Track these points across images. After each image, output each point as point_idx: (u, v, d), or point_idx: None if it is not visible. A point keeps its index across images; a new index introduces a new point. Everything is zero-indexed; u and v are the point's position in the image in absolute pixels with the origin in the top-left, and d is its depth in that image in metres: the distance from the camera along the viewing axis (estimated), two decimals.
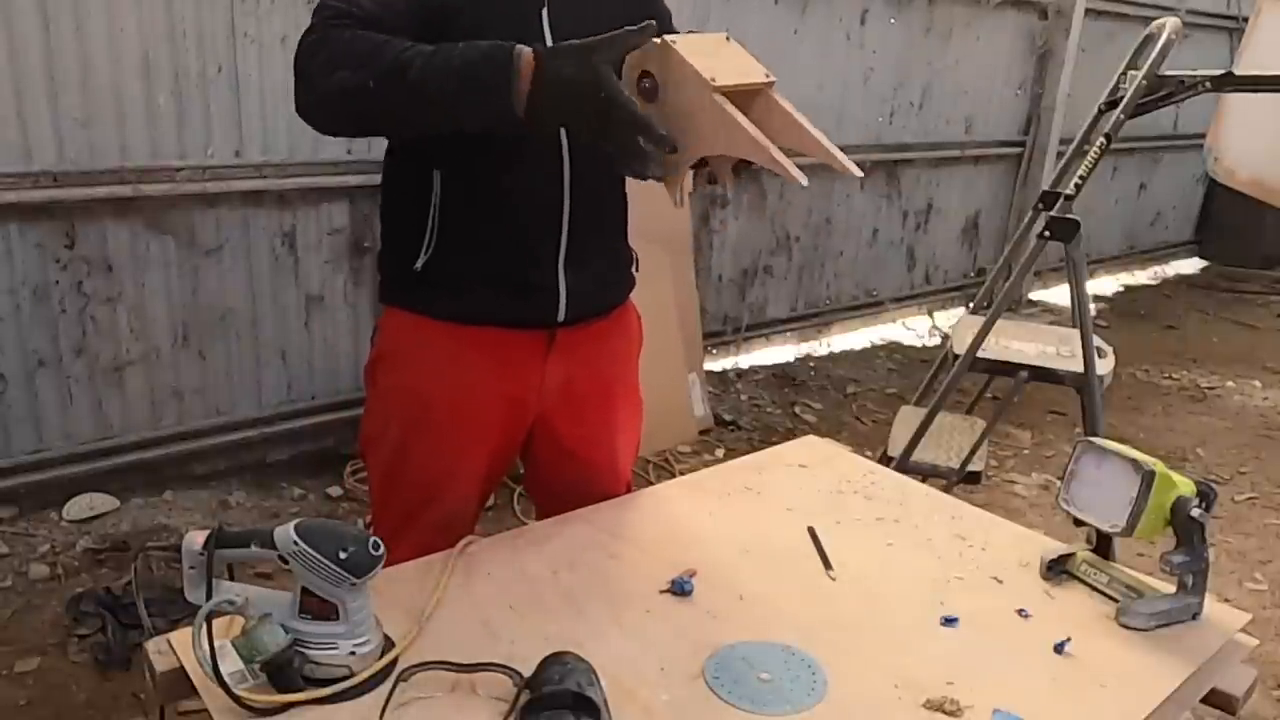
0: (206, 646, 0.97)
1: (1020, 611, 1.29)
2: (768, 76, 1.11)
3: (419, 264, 1.35)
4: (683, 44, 1.07)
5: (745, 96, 1.09)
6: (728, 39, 1.13)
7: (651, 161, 1.09)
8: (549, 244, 1.38)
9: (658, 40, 1.07)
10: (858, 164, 1.12)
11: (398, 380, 1.43)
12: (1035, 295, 6.38)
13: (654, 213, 3.97)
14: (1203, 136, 4.31)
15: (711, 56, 1.07)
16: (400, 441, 1.45)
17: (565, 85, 1.07)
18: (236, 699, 0.98)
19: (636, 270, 1.67)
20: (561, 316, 1.41)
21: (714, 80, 1.04)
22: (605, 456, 1.61)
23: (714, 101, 1.04)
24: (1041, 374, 2.65)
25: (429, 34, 1.18)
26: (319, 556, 1.01)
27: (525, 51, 1.09)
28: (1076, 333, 2.74)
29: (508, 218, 1.35)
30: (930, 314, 5.82)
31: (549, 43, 1.24)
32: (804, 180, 1.03)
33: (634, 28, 1.07)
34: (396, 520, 1.48)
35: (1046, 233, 2.67)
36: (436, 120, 1.18)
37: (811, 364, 4.91)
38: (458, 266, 1.36)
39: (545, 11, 1.31)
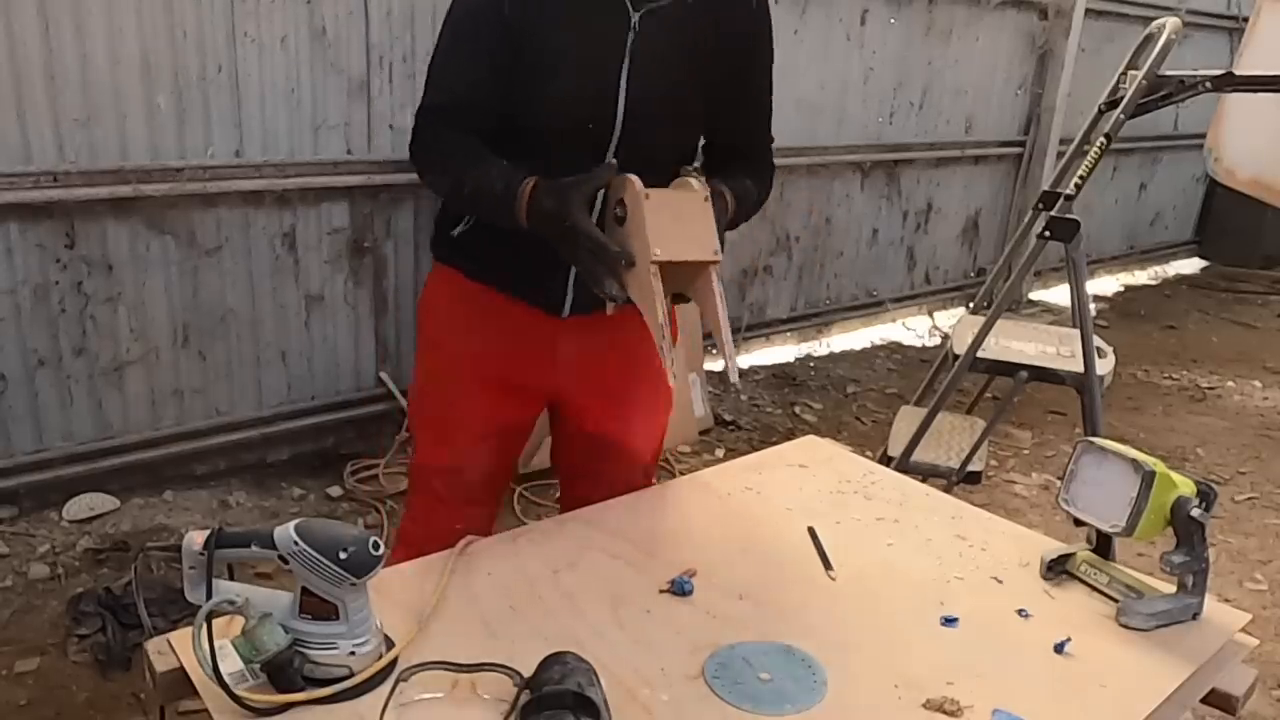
0: (206, 646, 0.97)
1: (1020, 611, 1.29)
2: (716, 255, 1.27)
3: (457, 231, 1.56)
4: (655, 199, 1.23)
5: (691, 266, 1.26)
6: (705, 200, 1.29)
7: (609, 279, 1.26)
8: (561, 267, 1.49)
9: (636, 187, 1.24)
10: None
11: (428, 326, 1.67)
12: (1035, 295, 6.38)
13: None
14: (1203, 136, 4.31)
15: (676, 220, 1.24)
16: (423, 380, 1.69)
17: (543, 215, 1.31)
18: (236, 699, 0.98)
19: None
20: (566, 313, 1.54)
21: (656, 253, 1.21)
22: (618, 431, 1.65)
23: (648, 267, 1.21)
24: (1041, 374, 2.66)
25: (525, 78, 1.41)
26: (319, 556, 1.01)
27: (526, 187, 1.33)
28: (1076, 333, 2.74)
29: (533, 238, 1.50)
30: (930, 314, 5.82)
31: (625, 75, 1.42)
32: (671, 380, 1.27)
33: (601, 168, 1.29)
34: (420, 445, 1.72)
35: (1046, 233, 2.67)
36: (488, 219, 1.47)
37: (811, 364, 4.91)
38: (486, 245, 1.53)
39: (625, 68, 1.42)
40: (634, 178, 1.25)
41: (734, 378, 1.26)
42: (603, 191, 1.31)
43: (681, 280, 1.29)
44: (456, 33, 1.44)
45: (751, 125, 1.63)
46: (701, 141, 1.61)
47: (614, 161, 1.29)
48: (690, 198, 1.29)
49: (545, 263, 1.45)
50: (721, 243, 1.31)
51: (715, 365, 4.58)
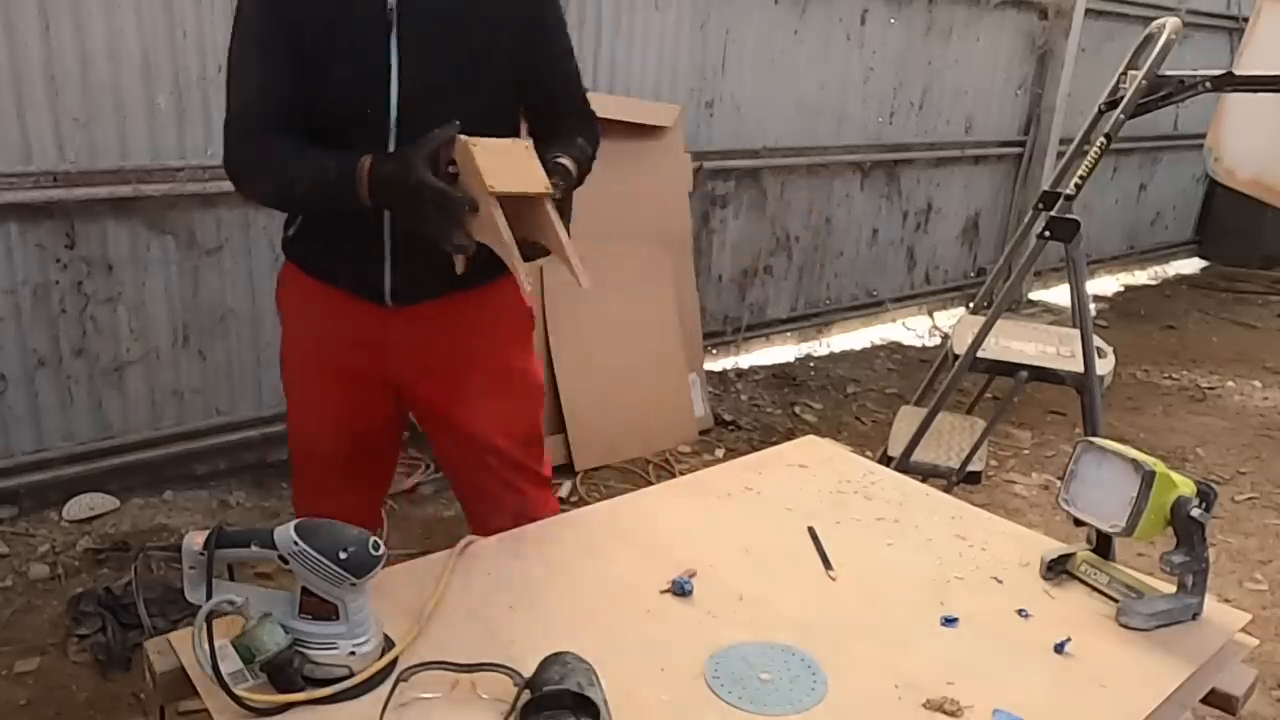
0: (206, 646, 0.97)
1: (1020, 611, 1.29)
2: (547, 187, 1.33)
3: (291, 231, 1.62)
4: (482, 146, 1.28)
5: (525, 201, 1.32)
6: (528, 147, 1.35)
7: (455, 228, 1.29)
8: (374, 245, 1.52)
9: (461, 139, 1.29)
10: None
11: (281, 316, 1.72)
12: (1035, 295, 6.38)
13: (654, 212, 4.00)
14: (1203, 136, 4.31)
15: (504, 161, 1.30)
16: (282, 367, 1.75)
17: (387, 180, 1.33)
18: (236, 699, 0.98)
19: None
20: (388, 301, 1.56)
21: (492, 185, 1.26)
22: (458, 416, 1.65)
23: (486, 200, 1.27)
24: (1041, 374, 2.65)
25: (306, 70, 1.43)
26: (319, 556, 1.01)
27: (365, 161, 1.34)
28: (1076, 333, 2.74)
29: (341, 227, 1.52)
30: (930, 314, 5.82)
31: (395, 63, 1.42)
32: (585, 281, 1.30)
33: (441, 129, 1.29)
34: (288, 424, 1.79)
35: (1046, 233, 2.67)
36: (326, 211, 1.51)
37: (811, 364, 4.91)
38: (312, 240, 1.60)
39: (393, 49, 1.42)
40: (465, 139, 1.29)
41: (585, 283, 1.30)
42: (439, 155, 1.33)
43: (522, 226, 1.32)
44: (246, 36, 1.46)
45: (562, 86, 1.63)
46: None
47: (457, 123, 1.30)
48: (514, 143, 1.35)
49: (364, 253, 1.50)
50: (569, 216, 1.40)
51: (715, 365, 4.58)
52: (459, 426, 1.66)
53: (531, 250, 1.35)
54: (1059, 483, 1.38)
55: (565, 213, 1.42)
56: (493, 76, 1.49)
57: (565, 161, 1.44)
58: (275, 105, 1.44)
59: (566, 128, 1.56)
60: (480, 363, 1.64)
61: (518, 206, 1.31)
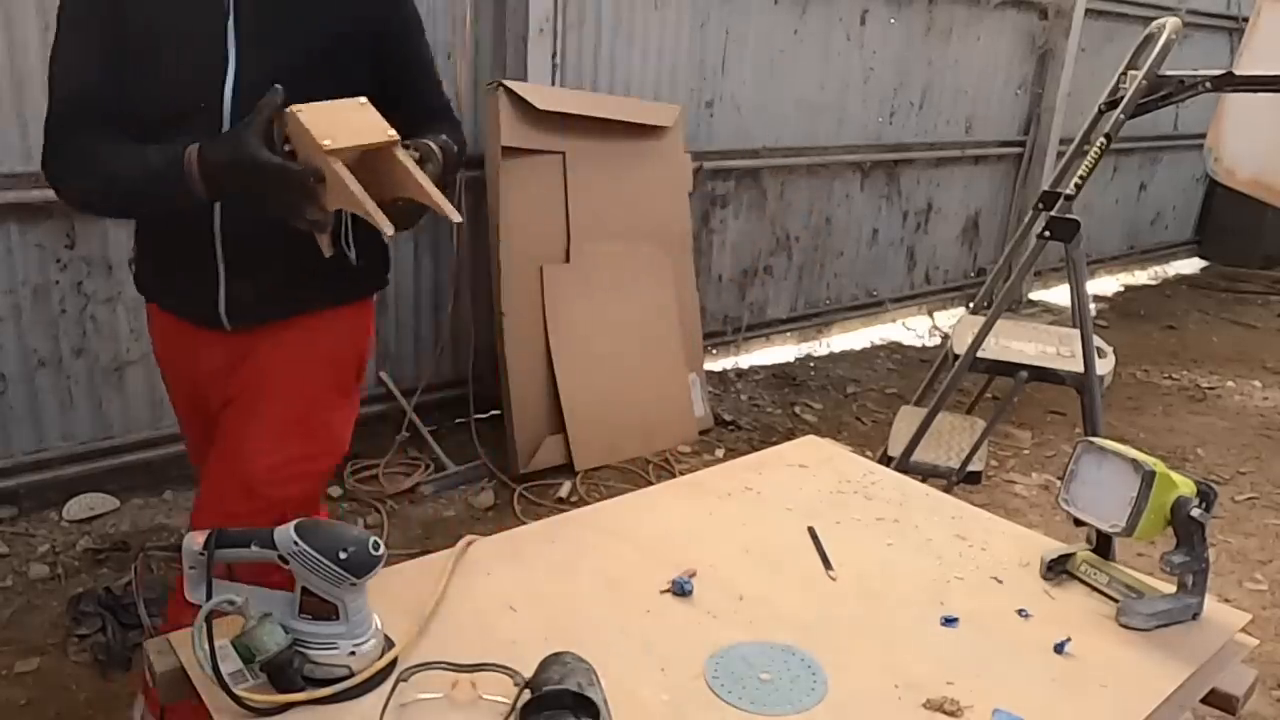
0: (206, 646, 0.97)
1: (1020, 611, 1.29)
2: (389, 135, 1.24)
3: (132, 263, 1.58)
4: (308, 112, 1.20)
5: (373, 155, 1.24)
6: (363, 104, 1.27)
7: (305, 202, 1.21)
8: (207, 267, 1.45)
9: (288, 110, 1.21)
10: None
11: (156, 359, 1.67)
12: (1035, 295, 6.38)
13: (654, 212, 3.99)
14: (1203, 136, 4.30)
15: (337, 121, 1.22)
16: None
17: (220, 166, 1.24)
18: (236, 699, 0.98)
19: (364, 276, 1.62)
20: (226, 324, 1.49)
21: (326, 144, 1.18)
22: (248, 458, 1.50)
23: (327, 162, 1.18)
24: (1041, 374, 2.65)
25: (132, 62, 1.34)
26: (319, 556, 1.01)
27: (192, 151, 1.25)
28: (1076, 333, 2.74)
29: (170, 240, 1.48)
30: (930, 314, 5.82)
31: (234, 49, 1.34)
32: (456, 216, 1.23)
33: (265, 98, 1.21)
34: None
35: (1046, 233, 2.67)
36: (156, 211, 1.43)
37: (811, 364, 4.91)
38: (149, 269, 1.56)
39: (232, 41, 1.34)
40: (292, 107, 1.21)
41: (455, 217, 1.23)
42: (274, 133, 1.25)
43: (381, 186, 1.23)
44: (67, 29, 1.36)
45: (423, 93, 1.56)
46: None
47: (279, 88, 1.21)
48: (346, 102, 1.26)
49: (196, 266, 1.42)
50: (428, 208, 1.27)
51: (715, 365, 4.58)
52: (237, 461, 1.50)
53: (404, 214, 1.26)
54: (1059, 483, 1.38)
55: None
56: (340, 76, 1.37)
57: (429, 141, 1.34)
58: (97, 100, 1.34)
59: (432, 129, 1.45)
60: (284, 392, 1.52)
61: (371, 165, 1.23)
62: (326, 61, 1.38)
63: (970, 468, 2.74)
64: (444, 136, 1.41)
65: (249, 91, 1.30)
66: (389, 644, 1.10)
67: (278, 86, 1.21)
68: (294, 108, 1.20)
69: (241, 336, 1.49)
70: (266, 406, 1.51)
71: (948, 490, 2.24)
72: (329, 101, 1.23)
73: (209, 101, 1.33)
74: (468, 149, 1.50)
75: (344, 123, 1.22)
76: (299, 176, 1.19)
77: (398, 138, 1.25)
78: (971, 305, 3.28)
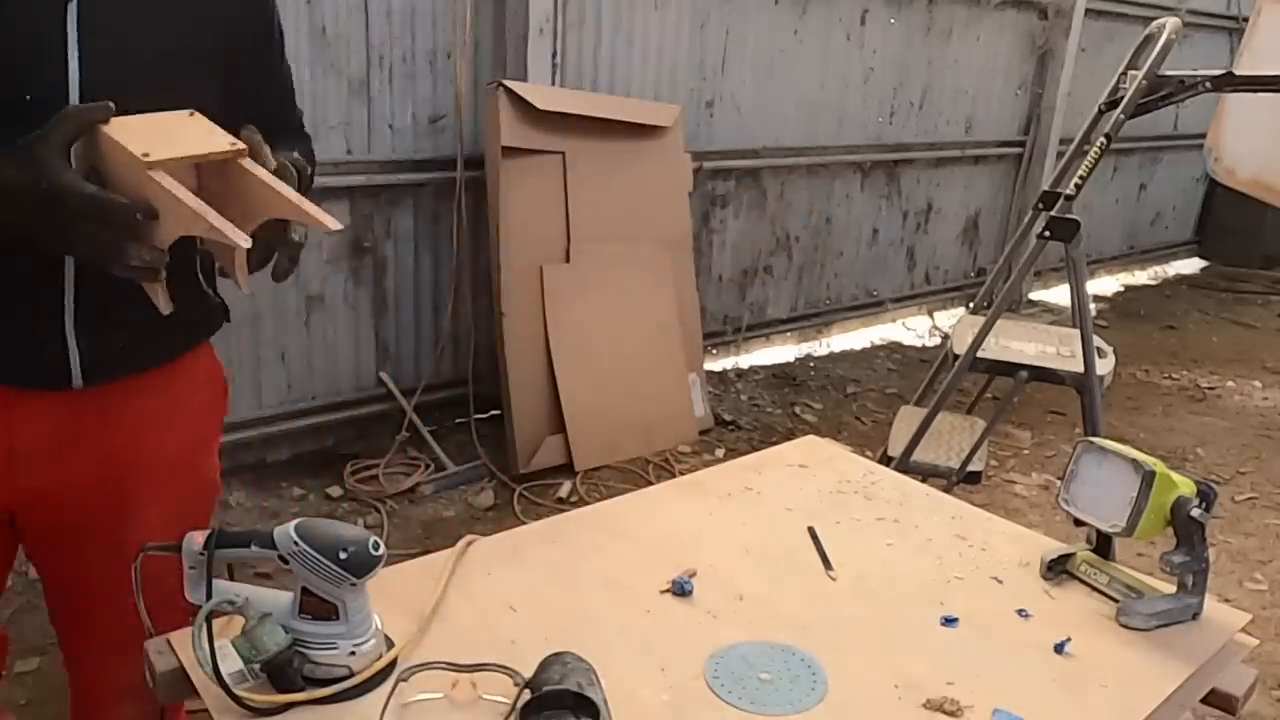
0: (206, 646, 0.97)
1: (1020, 611, 1.29)
2: (233, 145, 1.00)
3: None
4: (117, 125, 0.96)
5: (213, 173, 1.00)
6: (191, 114, 1.03)
7: (129, 247, 0.94)
8: (51, 310, 1.13)
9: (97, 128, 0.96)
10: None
11: None
12: (1035, 295, 6.38)
13: (654, 212, 3.99)
14: (1203, 136, 4.31)
15: (159, 134, 0.98)
16: None
17: (7, 190, 0.93)
18: (236, 699, 0.98)
19: (226, 314, 1.46)
20: (78, 381, 1.17)
21: (147, 156, 0.93)
22: (130, 536, 1.21)
23: (149, 179, 0.93)
24: (1041, 374, 2.65)
25: None
26: (319, 556, 1.00)
27: None
28: (1076, 333, 2.74)
29: (4, 285, 1.12)
30: (930, 314, 5.82)
31: (75, 38, 1.05)
32: (334, 224, 0.98)
33: (74, 109, 0.96)
34: None
35: (1046, 233, 2.67)
36: None
37: (811, 364, 4.91)
38: None
39: (73, 6, 1.05)
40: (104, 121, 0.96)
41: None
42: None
43: (225, 212, 0.95)
44: None
45: (282, 103, 1.35)
46: None
47: (109, 104, 0.96)
48: (169, 115, 1.02)
49: (34, 310, 1.12)
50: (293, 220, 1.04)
51: (715, 365, 4.58)
52: (96, 537, 1.28)
53: (258, 246, 1.00)
54: (1059, 483, 1.38)
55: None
56: (190, 82, 1.13)
57: (280, 155, 1.10)
58: None
59: (285, 143, 1.23)
60: (160, 465, 1.30)
61: (211, 187, 1.00)
62: (181, 63, 1.14)
63: (970, 468, 2.74)
64: (295, 153, 1.20)
65: (97, 75, 1.06)
66: (389, 644, 1.10)
67: (109, 104, 0.96)
68: (115, 119, 0.96)
69: (94, 394, 1.19)
70: (146, 490, 1.28)
71: (948, 490, 2.24)
72: (146, 115, 1.00)
73: (43, 91, 1.04)
74: (313, 171, 1.28)
75: (167, 134, 0.99)
76: (121, 210, 0.92)
77: (243, 147, 1.01)
78: (971, 305, 3.28)
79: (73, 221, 0.93)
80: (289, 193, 1.00)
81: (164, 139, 0.97)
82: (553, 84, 3.53)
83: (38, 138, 0.93)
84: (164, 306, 1.01)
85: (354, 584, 1.02)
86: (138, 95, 1.01)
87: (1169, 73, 2.61)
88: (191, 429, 1.37)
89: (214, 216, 0.92)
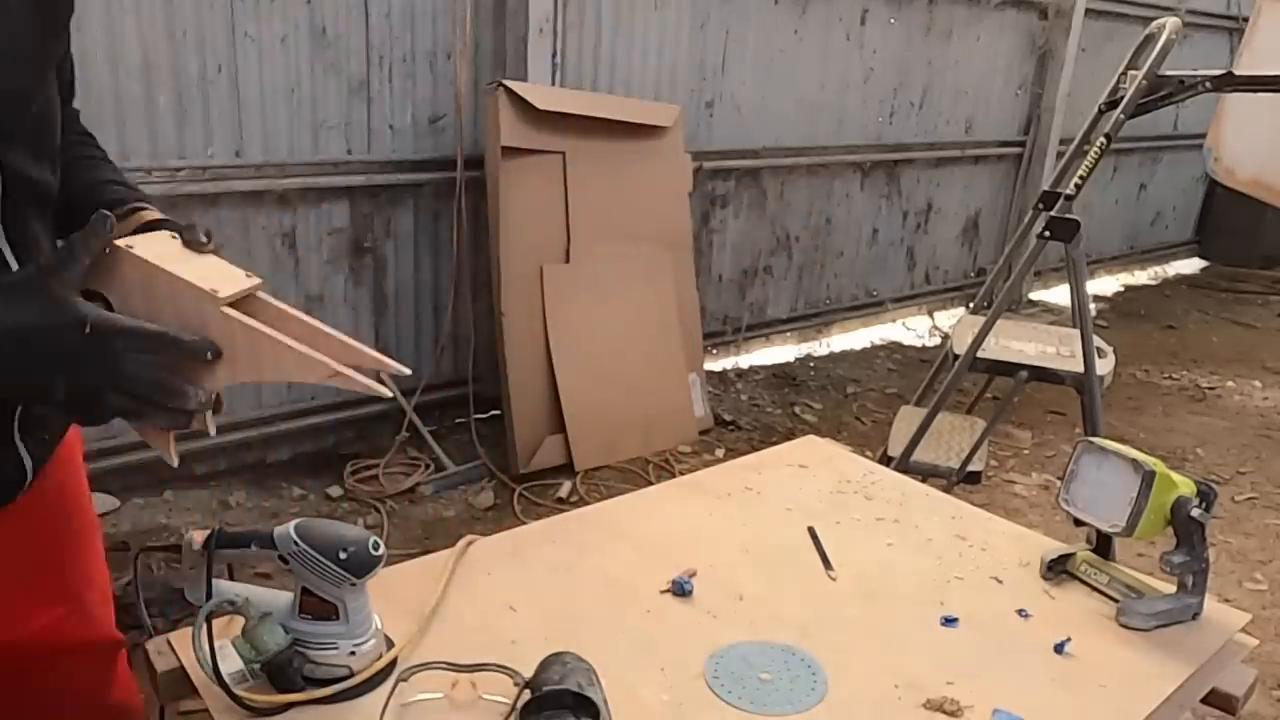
0: (206, 646, 0.97)
1: (1020, 611, 1.29)
2: (250, 278, 0.88)
3: None
4: (142, 249, 0.83)
5: (242, 307, 0.86)
6: (173, 236, 0.90)
7: (190, 390, 0.82)
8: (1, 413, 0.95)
9: (117, 246, 0.82)
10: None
11: None
12: (1035, 295, 6.38)
13: (654, 212, 3.99)
14: (1203, 136, 4.31)
15: (185, 262, 0.86)
16: None
17: (26, 340, 0.75)
18: (236, 699, 0.98)
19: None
20: (25, 488, 1.00)
21: (217, 291, 0.81)
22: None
23: (227, 318, 0.82)
24: (1041, 374, 2.65)
25: None
26: (319, 556, 1.01)
27: None
28: (1076, 333, 2.74)
29: None
30: (930, 314, 5.82)
31: None
32: (385, 392, 0.86)
33: (90, 230, 0.78)
34: None
35: (1046, 233, 2.67)
36: None
37: (811, 364, 4.91)
38: None
39: None
40: (115, 242, 0.82)
41: (401, 369, 0.89)
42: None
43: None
44: None
45: (70, 79, 1.05)
46: None
47: (107, 214, 0.79)
48: (157, 237, 0.89)
49: None
50: None
51: (715, 365, 4.58)
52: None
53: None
54: (1059, 483, 1.38)
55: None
56: (50, 78, 0.93)
57: (168, 219, 0.95)
58: None
59: (89, 152, 1.07)
60: (74, 551, 1.14)
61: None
62: (48, 64, 0.92)
63: (970, 468, 2.74)
64: (116, 176, 1.02)
65: (6, 110, 0.84)
66: (389, 644, 1.10)
67: (104, 213, 0.79)
68: (118, 244, 0.82)
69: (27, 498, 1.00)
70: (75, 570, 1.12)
71: (948, 490, 2.24)
72: (142, 236, 0.87)
73: None
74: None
75: (194, 264, 0.85)
76: (195, 348, 0.80)
77: (257, 280, 0.89)
78: (971, 305, 3.28)
79: (116, 366, 0.77)
80: (331, 330, 0.89)
81: (195, 268, 0.84)
82: (553, 84, 3.53)
83: (41, 270, 0.78)
84: (174, 458, 0.92)
85: (354, 584, 1.02)
86: (30, 106, 0.88)
87: (1169, 73, 2.61)
88: (75, 534, 1.17)
89: (336, 363, 0.85)
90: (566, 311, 3.46)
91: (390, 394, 0.87)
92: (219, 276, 0.85)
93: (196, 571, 1.06)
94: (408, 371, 0.90)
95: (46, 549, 1.09)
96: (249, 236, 3.09)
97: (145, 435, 0.90)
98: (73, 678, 1.11)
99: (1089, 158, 2.65)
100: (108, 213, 0.79)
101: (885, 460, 2.69)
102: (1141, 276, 7.40)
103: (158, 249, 0.85)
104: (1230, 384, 5.00)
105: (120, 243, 0.82)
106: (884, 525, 1.51)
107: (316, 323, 0.89)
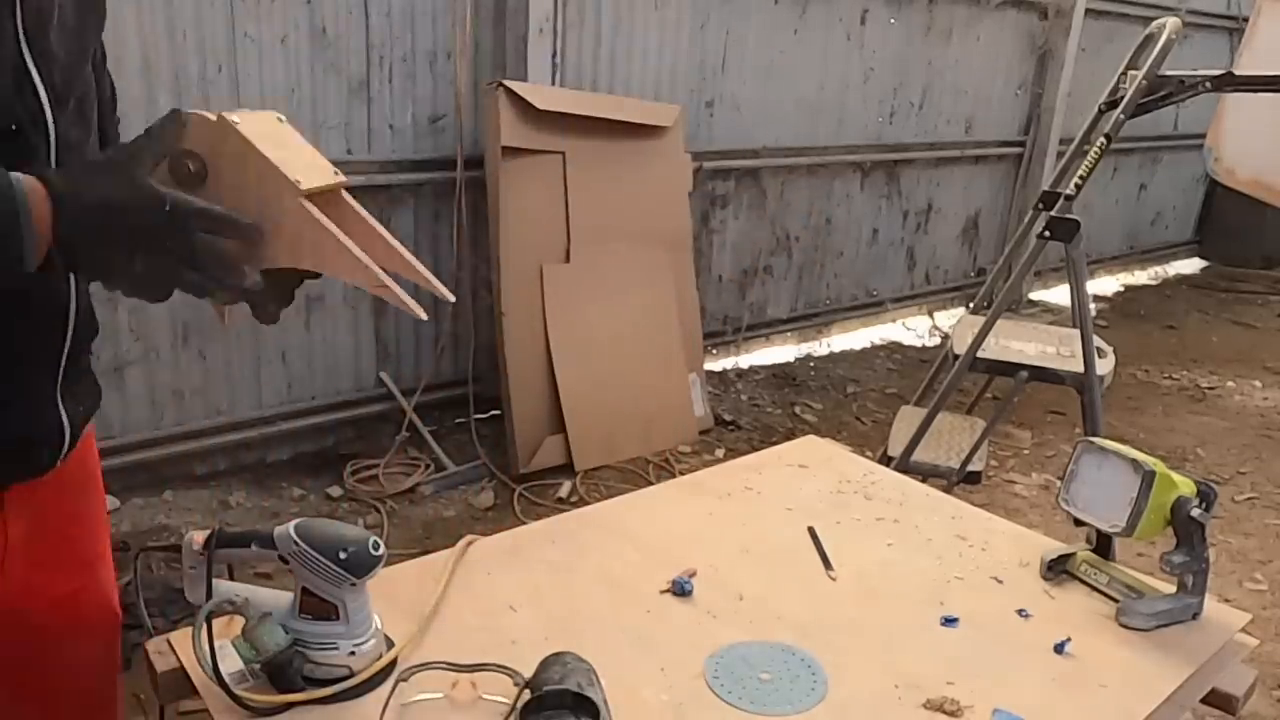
0: (206, 646, 0.97)
1: (1020, 611, 1.29)
2: (337, 175, 0.91)
3: None
4: (246, 127, 0.85)
5: (319, 200, 0.88)
6: (280, 120, 0.92)
7: (245, 270, 0.85)
8: (46, 371, 1.00)
9: (211, 116, 0.85)
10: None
11: None
12: (1035, 295, 6.38)
13: (654, 212, 3.99)
14: (1203, 136, 4.31)
15: (279, 145, 0.87)
16: None
17: (98, 209, 0.80)
18: (236, 699, 0.98)
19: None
20: (65, 453, 1.05)
21: (299, 182, 0.85)
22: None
23: (302, 210, 0.85)
24: (1041, 374, 2.65)
25: None
26: (319, 556, 1.00)
27: (26, 185, 0.77)
28: (1076, 333, 2.74)
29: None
30: (930, 314, 5.82)
31: (34, 67, 0.89)
32: (421, 314, 0.89)
33: (165, 119, 0.84)
34: None
35: (1046, 233, 2.67)
36: None
37: (811, 364, 4.91)
38: None
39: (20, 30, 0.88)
40: (222, 114, 0.86)
41: (448, 295, 0.94)
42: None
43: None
44: None
45: (112, 98, 1.12)
46: None
47: (180, 110, 0.84)
48: (268, 118, 0.91)
49: (28, 370, 0.98)
50: None
51: (715, 365, 4.58)
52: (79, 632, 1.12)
53: (282, 287, 0.92)
54: (1059, 483, 1.38)
55: None
56: (89, 75, 1.01)
57: None
58: None
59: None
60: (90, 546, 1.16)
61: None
62: (86, 65, 1.00)
63: (970, 468, 2.74)
64: None
65: (63, 104, 0.93)
66: (389, 644, 1.10)
67: (176, 109, 0.85)
68: (224, 116, 0.85)
69: (35, 483, 1.02)
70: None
71: (948, 490, 2.24)
72: (250, 113, 0.89)
73: (23, 115, 0.89)
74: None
75: (289, 150, 0.88)
76: (249, 231, 0.84)
77: (344, 178, 0.92)
78: (971, 305, 3.28)
79: (189, 242, 0.81)
80: (395, 243, 0.92)
81: (289, 154, 0.87)
82: (553, 84, 3.53)
83: (122, 150, 0.84)
84: (226, 321, 0.97)
85: (354, 584, 1.02)
86: (70, 102, 0.94)
87: (1169, 73, 2.61)
88: (97, 513, 1.20)
89: (383, 274, 0.86)
90: (566, 311, 3.46)
91: (424, 316, 0.91)
92: (306, 166, 0.88)
93: (196, 571, 1.06)
94: (453, 298, 0.96)
95: (69, 521, 1.12)
96: None
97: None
98: (81, 652, 1.13)
99: (1089, 158, 2.65)
100: (179, 109, 0.85)
101: (885, 460, 2.69)
102: (1141, 276, 7.40)
103: (258, 128, 0.88)
104: (1230, 384, 5.00)
105: (229, 116, 0.85)
106: (884, 525, 1.51)
107: (383, 231, 0.93)
